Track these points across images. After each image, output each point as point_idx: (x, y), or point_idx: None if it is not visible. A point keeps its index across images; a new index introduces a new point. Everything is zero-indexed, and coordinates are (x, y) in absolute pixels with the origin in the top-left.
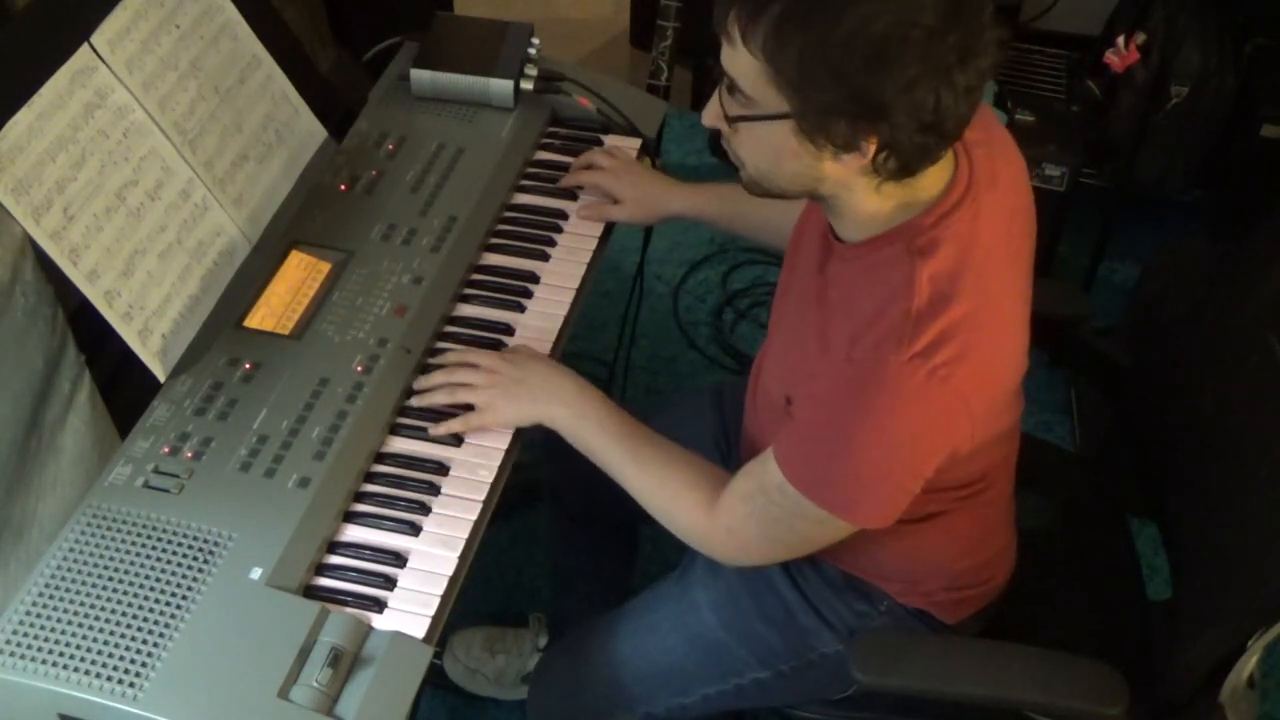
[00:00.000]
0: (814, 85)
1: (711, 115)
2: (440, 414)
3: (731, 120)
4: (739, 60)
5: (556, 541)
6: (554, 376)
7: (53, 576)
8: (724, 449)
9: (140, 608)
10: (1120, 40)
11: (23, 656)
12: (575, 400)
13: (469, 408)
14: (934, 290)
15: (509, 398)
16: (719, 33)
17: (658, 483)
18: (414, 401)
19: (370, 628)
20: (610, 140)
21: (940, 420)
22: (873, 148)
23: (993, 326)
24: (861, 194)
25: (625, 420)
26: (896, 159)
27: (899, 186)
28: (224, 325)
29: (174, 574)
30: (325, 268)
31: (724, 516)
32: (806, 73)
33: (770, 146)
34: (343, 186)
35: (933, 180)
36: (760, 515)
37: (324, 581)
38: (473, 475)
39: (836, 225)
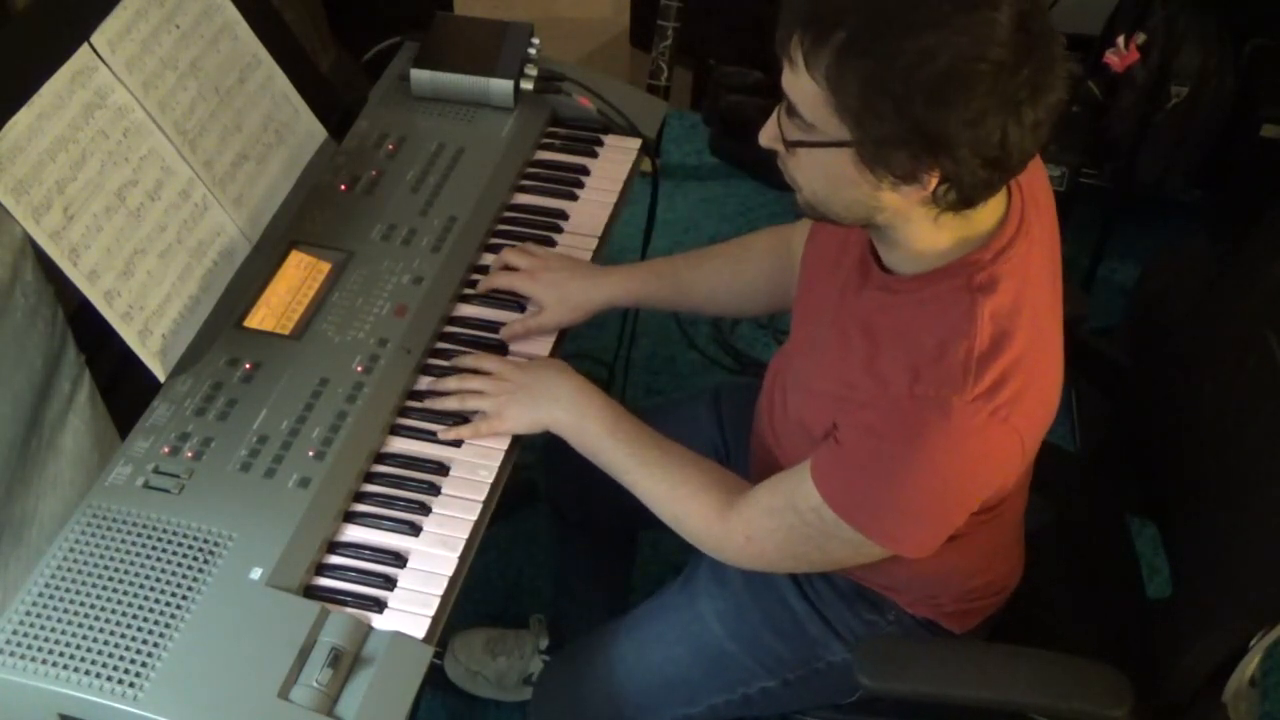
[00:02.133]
0: (875, 115)
1: (769, 136)
2: (447, 415)
3: (790, 144)
4: (800, 84)
5: (556, 547)
6: (559, 381)
7: (53, 576)
8: (723, 455)
9: (140, 608)
10: (1120, 40)
11: (23, 656)
12: (579, 405)
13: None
14: (995, 329)
15: (516, 404)
16: (780, 55)
17: (667, 486)
18: (428, 404)
19: (370, 628)
20: (610, 141)
21: (997, 457)
22: (934, 180)
23: (1043, 357)
24: (918, 225)
25: (632, 424)
26: (958, 192)
27: (957, 219)
28: (224, 325)
29: (174, 574)
30: (325, 268)
31: (743, 525)
32: (868, 102)
33: (828, 173)
34: (343, 186)
35: (989, 213)
36: (787, 531)
37: (324, 581)
38: (473, 475)
39: (886, 255)
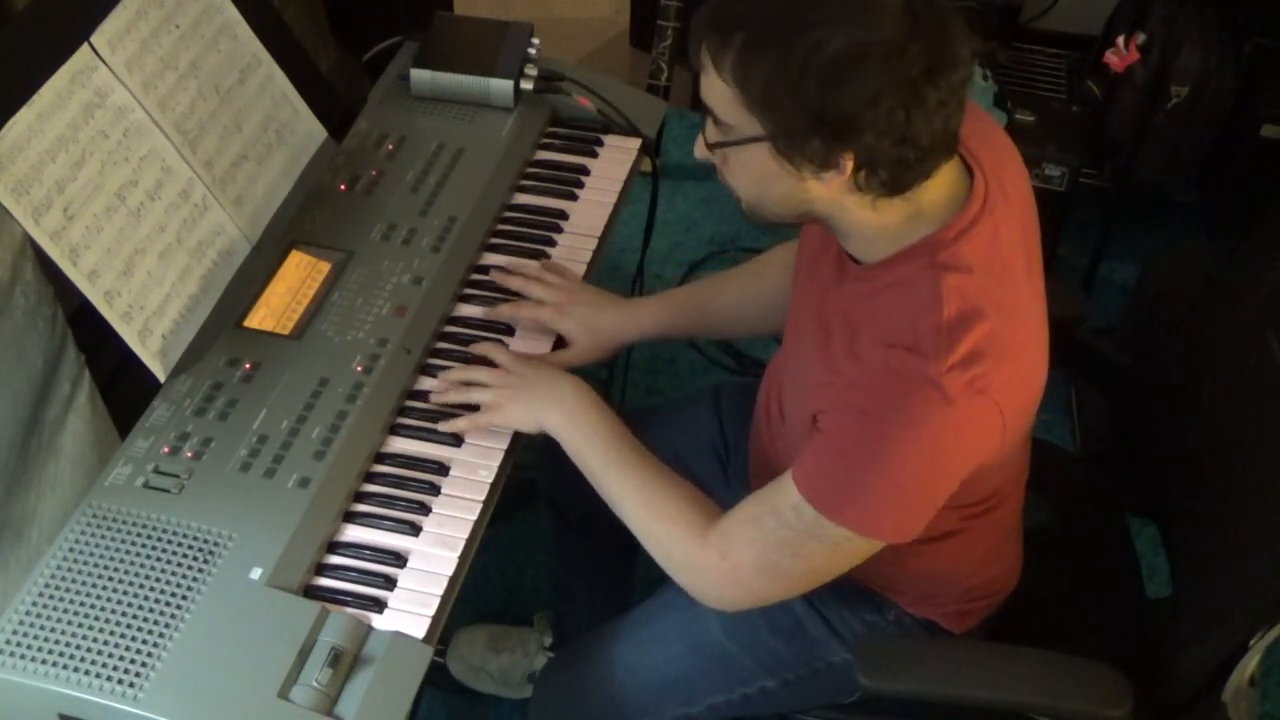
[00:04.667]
0: (778, 106)
1: (698, 148)
2: (447, 413)
3: (711, 146)
4: (713, 88)
5: (556, 548)
6: (561, 384)
7: (53, 576)
8: (723, 456)
9: (140, 608)
10: (1120, 40)
11: (23, 656)
12: (577, 410)
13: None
14: (962, 303)
15: (515, 400)
16: (693, 64)
17: (644, 501)
18: (432, 399)
19: (370, 628)
20: (610, 141)
21: (977, 430)
22: (850, 164)
23: (1019, 337)
24: (856, 212)
25: (624, 437)
26: (877, 176)
27: (899, 201)
28: (224, 325)
29: (174, 574)
30: (325, 268)
31: (719, 539)
32: (770, 95)
33: (753, 171)
34: (343, 186)
35: (939, 192)
36: (765, 539)
37: (324, 581)
38: (473, 475)
39: (846, 245)
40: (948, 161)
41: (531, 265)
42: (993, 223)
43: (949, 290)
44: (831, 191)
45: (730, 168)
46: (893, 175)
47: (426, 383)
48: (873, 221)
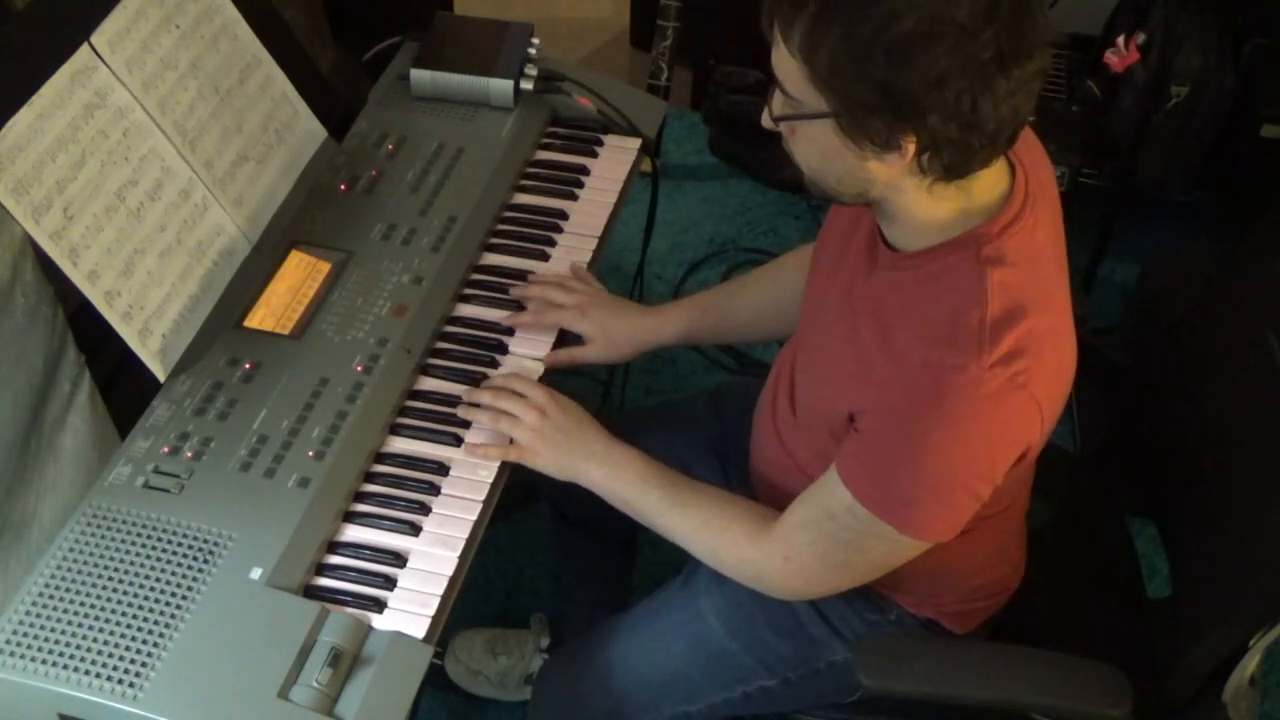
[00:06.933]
0: (844, 82)
1: (765, 118)
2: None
3: (776, 119)
4: (782, 61)
5: (556, 548)
6: (594, 437)
7: (53, 576)
8: (724, 456)
9: (140, 608)
10: (1120, 40)
11: (23, 656)
12: (612, 460)
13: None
14: (1007, 299)
15: (552, 447)
16: (765, 34)
17: (701, 523)
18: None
19: (370, 628)
20: (610, 141)
21: (1018, 424)
22: (912, 147)
23: (1057, 334)
24: (913, 196)
25: (661, 471)
26: (939, 159)
27: (953, 189)
28: (224, 325)
29: (174, 574)
30: (325, 268)
31: (779, 546)
32: (837, 69)
33: (817, 146)
34: (343, 186)
35: (989, 186)
36: (825, 541)
37: (324, 581)
38: (473, 475)
39: (890, 231)
40: (1008, 151)
41: (555, 273)
42: (1034, 217)
43: (995, 286)
44: (892, 173)
45: (796, 140)
46: (955, 159)
47: (426, 383)
48: (925, 209)
